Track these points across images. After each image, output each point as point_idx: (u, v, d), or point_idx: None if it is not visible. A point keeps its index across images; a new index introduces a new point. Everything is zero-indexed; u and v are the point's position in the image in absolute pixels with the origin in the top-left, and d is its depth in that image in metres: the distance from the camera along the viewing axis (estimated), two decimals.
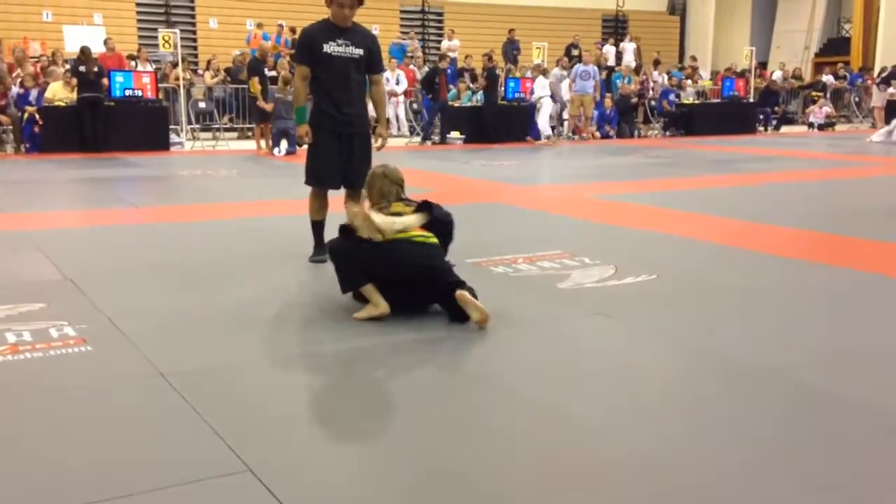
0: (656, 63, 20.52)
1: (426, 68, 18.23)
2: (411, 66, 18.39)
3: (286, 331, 3.97)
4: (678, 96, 18.98)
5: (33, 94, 13.90)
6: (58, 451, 2.58)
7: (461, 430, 2.76)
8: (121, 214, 7.53)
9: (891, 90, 18.25)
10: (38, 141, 13.43)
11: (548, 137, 15.96)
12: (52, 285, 4.63)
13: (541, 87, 16.02)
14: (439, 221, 4.14)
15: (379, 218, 3.97)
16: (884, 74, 19.53)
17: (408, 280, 3.93)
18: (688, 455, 2.56)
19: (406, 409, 2.94)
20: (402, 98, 17.31)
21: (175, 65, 15.83)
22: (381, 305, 3.92)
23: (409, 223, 4.03)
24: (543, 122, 15.92)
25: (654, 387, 3.18)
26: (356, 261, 3.96)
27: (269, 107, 13.69)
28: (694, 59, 23.57)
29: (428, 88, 15.98)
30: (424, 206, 4.16)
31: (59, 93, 13.63)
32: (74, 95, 13.39)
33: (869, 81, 21.70)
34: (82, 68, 13.25)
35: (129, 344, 3.58)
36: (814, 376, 3.22)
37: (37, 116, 13.41)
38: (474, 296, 3.83)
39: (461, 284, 3.90)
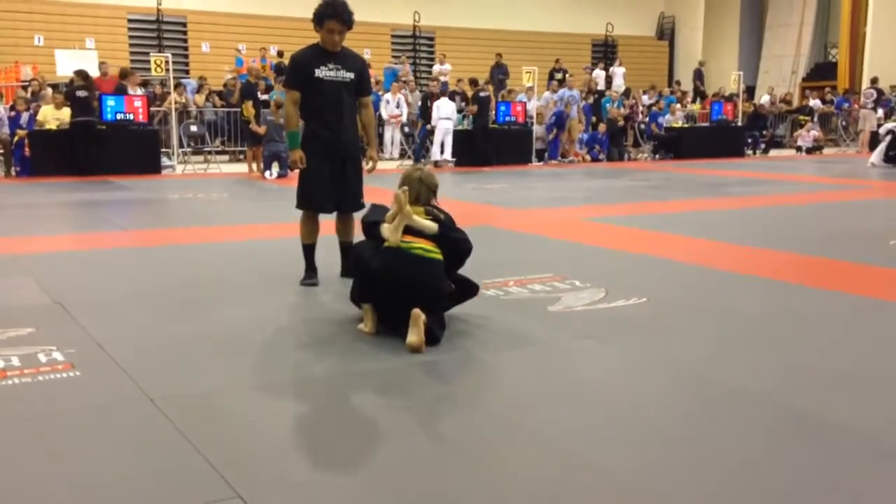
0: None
1: (418, 92, 18.32)
2: (403, 91, 18.49)
3: (277, 356, 3.95)
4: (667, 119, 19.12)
5: (24, 117, 13.89)
6: (45, 477, 2.55)
7: (452, 457, 2.75)
8: (111, 238, 7.51)
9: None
10: (29, 164, 13.42)
11: (435, 163, 15.50)
12: (42, 310, 4.61)
13: (444, 110, 15.55)
14: (449, 239, 4.19)
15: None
16: (873, 97, 19.74)
17: (397, 292, 3.98)
18: (680, 480, 2.56)
19: (397, 436, 2.93)
20: (403, 119, 17.30)
21: (165, 85, 15.86)
22: (368, 326, 4.10)
23: (423, 225, 4.11)
24: (436, 145, 15.61)
25: (645, 412, 3.17)
26: (365, 274, 4.11)
27: (261, 130, 13.73)
28: (678, 83, 23.76)
29: (423, 114, 16.04)
30: (439, 219, 4.21)
31: (51, 116, 13.63)
32: (67, 118, 13.38)
33: (856, 106, 21.87)
34: (80, 93, 13.21)
35: (118, 369, 3.56)
36: (803, 400, 3.23)
37: (26, 140, 13.39)
38: (440, 327, 3.92)
39: (433, 310, 3.92)
